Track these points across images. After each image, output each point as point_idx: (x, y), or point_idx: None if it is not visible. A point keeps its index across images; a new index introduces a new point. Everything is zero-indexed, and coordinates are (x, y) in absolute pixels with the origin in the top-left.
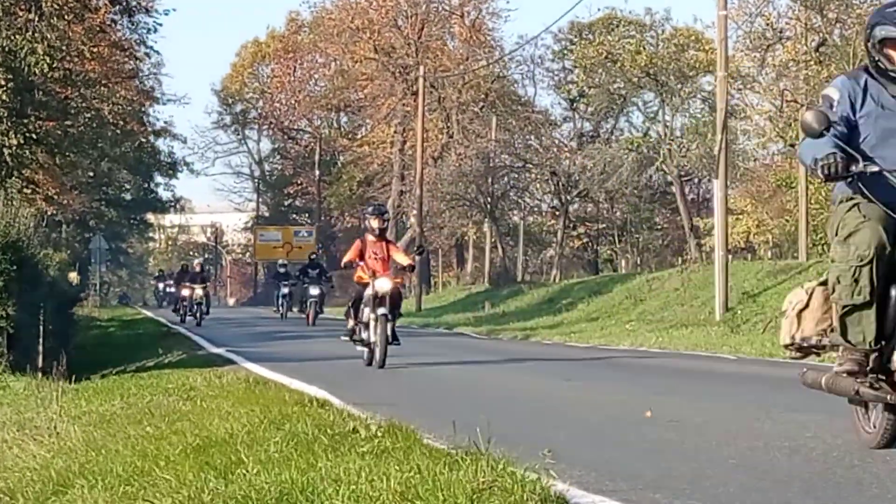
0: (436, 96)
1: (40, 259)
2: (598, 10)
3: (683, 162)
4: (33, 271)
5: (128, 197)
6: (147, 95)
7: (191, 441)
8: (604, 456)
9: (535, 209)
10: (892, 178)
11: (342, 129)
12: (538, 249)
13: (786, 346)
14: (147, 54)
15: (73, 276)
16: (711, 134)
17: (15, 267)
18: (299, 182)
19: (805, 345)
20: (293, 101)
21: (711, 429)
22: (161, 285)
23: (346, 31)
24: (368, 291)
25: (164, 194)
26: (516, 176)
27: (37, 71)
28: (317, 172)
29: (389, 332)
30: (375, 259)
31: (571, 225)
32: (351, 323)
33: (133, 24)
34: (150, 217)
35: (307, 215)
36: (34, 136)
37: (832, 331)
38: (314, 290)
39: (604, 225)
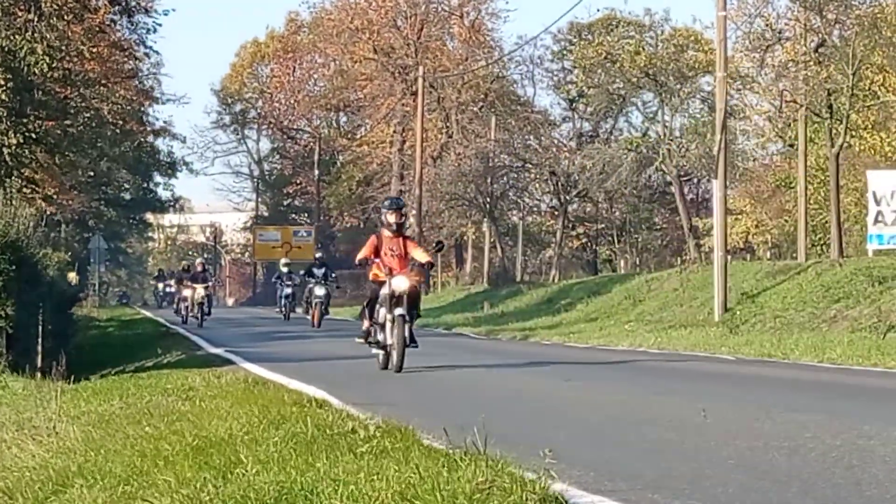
0: (435, 96)
1: (39, 259)
2: (598, 10)
3: (682, 162)
4: (32, 271)
5: (127, 196)
6: (146, 95)
7: (190, 441)
8: (603, 456)
9: (535, 209)
10: None
11: (341, 129)
12: (537, 249)
13: None
14: (146, 54)
15: (73, 276)
16: (710, 134)
17: (14, 267)
18: (298, 182)
19: None
20: (292, 101)
21: (711, 429)
22: (161, 285)
23: (345, 32)
24: (384, 290)
25: (164, 194)
26: (515, 176)
27: (36, 71)
28: (316, 172)
29: (407, 334)
30: (392, 256)
31: (570, 225)
32: (366, 324)
33: (132, 25)
34: (150, 217)
35: (306, 215)
36: (34, 135)
37: None
38: (320, 291)
39: (603, 225)
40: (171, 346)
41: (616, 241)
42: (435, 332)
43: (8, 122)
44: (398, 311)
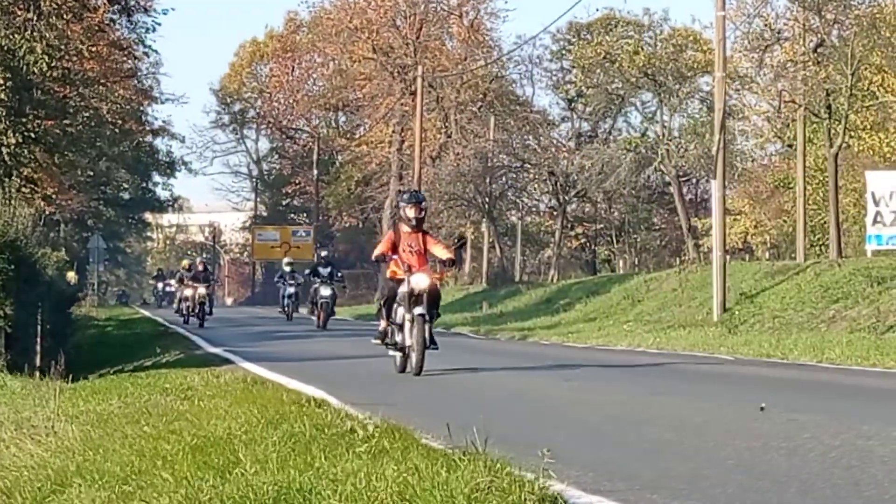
0: (434, 96)
1: (38, 258)
2: (597, 10)
3: (681, 162)
4: (31, 271)
5: (126, 196)
6: (145, 95)
7: (188, 440)
8: (602, 456)
9: (533, 209)
10: None
11: (340, 129)
12: (536, 249)
13: None
14: (146, 53)
15: (71, 276)
16: (709, 134)
17: (13, 266)
18: (297, 181)
19: None
20: (291, 101)
21: (710, 429)
22: (160, 285)
23: (344, 31)
24: (403, 289)
25: (163, 193)
26: (514, 176)
27: (35, 70)
28: (315, 172)
29: (427, 335)
30: (411, 252)
31: (569, 225)
32: (383, 324)
33: (132, 24)
34: (149, 216)
35: (305, 215)
36: (33, 135)
37: None
38: (326, 291)
39: (602, 225)
40: (169, 345)
41: (615, 241)
42: (434, 331)
43: (7, 122)
44: (418, 310)
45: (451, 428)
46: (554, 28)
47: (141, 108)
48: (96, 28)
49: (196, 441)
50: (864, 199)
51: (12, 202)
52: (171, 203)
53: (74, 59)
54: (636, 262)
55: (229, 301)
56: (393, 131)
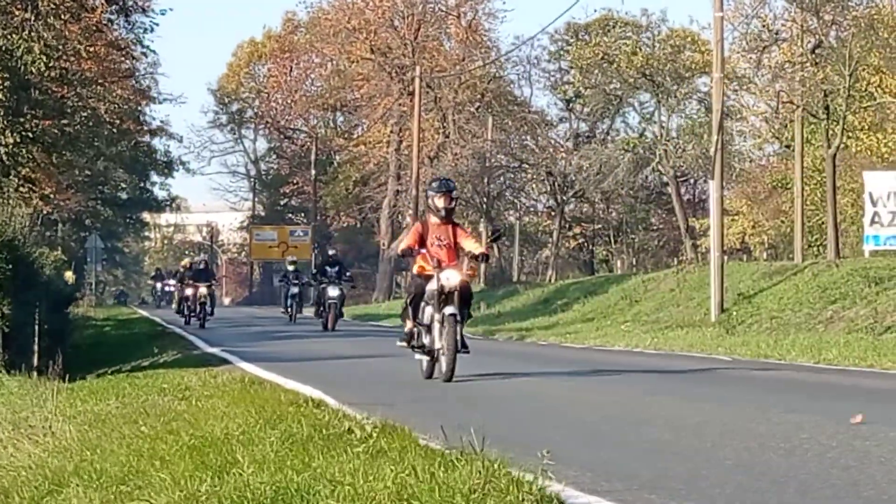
0: (432, 96)
1: (36, 258)
2: (595, 10)
3: (679, 163)
4: (29, 270)
5: (124, 196)
6: (143, 95)
7: (186, 441)
8: (601, 456)
9: (531, 209)
10: None
11: (338, 129)
12: (534, 250)
13: None
14: (143, 53)
15: (69, 276)
16: (707, 135)
17: (10, 266)
18: (295, 181)
19: None
20: (289, 101)
21: (708, 429)
22: (159, 285)
23: (342, 32)
24: (432, 286)
25: (160, 193)
26: (512, 176)
27: (33, 70)
28: (313, 172)
29: (459, 338)
30: (440, 246)
31: (567, 225)
32: (409, 325)
33: (129, 24)
34: (146, 216)
35: (303, 215)
36: (30, 134)
37: None
38: (333, 292)
39: (599, 225)
40: (167, 345)
41: (613, 241)
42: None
43: (5, 122)
44: (448, 309)
45: (450, 428)
46: (552, 29)
47: (139, 108)
48: (94, 28)
49: (193, 441)
50: (862, 199)
51: (10, 202)
52: (168, 203)
53: (72, 58)
54: (634, 263)
55: (227, 301)
56: (391, 131)
